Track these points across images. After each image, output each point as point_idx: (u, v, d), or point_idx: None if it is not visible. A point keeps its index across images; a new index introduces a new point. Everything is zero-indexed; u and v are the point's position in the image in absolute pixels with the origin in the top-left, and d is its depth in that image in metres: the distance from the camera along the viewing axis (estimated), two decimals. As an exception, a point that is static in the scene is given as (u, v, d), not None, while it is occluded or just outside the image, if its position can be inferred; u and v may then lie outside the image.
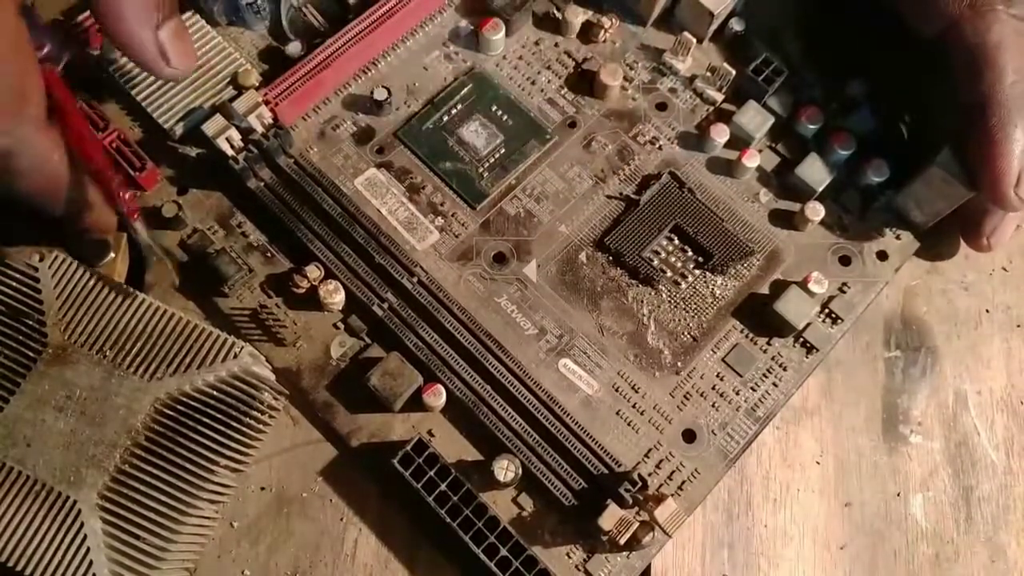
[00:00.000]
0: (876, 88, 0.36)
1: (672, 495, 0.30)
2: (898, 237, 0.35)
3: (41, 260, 0.28)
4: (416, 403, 0.31)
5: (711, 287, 0.34)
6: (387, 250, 0.33)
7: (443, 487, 0.29)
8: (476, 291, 0.33)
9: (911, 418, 0.33)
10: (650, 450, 0.31)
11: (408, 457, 0.29)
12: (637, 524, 0.28)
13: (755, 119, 0.36)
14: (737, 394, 0.32)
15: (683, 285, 0.34)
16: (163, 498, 0.25)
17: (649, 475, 0.31)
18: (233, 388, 0.27)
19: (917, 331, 0.35)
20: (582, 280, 0.34)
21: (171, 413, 0.26)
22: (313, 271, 0.32)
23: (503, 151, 0.35)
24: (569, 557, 0.30)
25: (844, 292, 0.34)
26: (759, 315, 0.33)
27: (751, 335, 0.33)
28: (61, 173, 0.27)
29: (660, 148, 0.36)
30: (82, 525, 0.25)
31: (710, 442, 0.32)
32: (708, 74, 0.37)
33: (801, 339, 0.33)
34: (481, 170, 0.35)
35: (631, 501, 0.29)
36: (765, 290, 0.34)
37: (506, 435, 0.30)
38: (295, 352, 0.32)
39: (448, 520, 0.28)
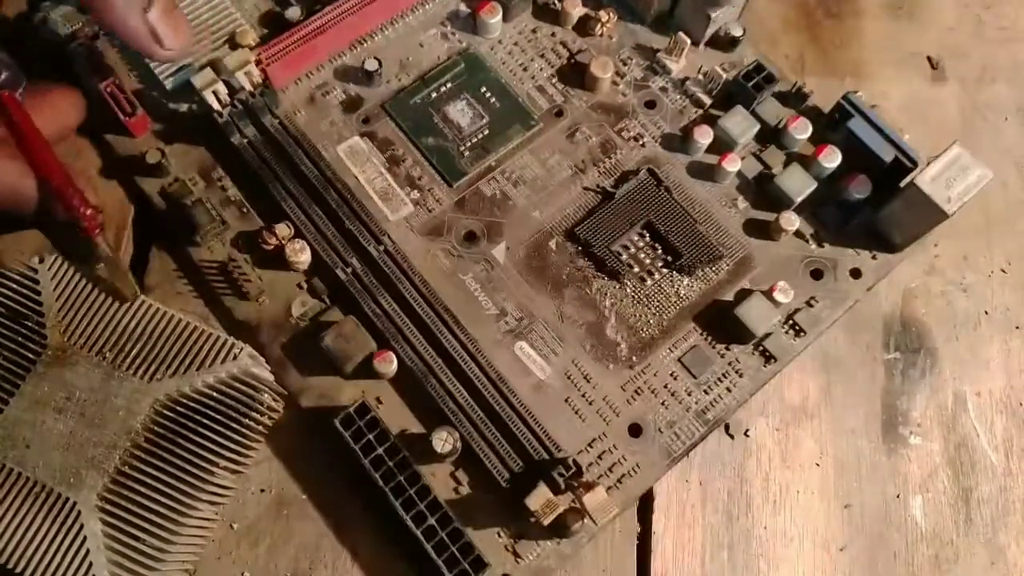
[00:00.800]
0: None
1: (608, 487, 0.30)
2: (874, 257, 0.35)
3: (41, 262, 0.28)
4: (367, 370, 0.31)
5: (676, 287, 0.34)
6: (357, 216, 0.33)
7: (380, 451, 0.29)
8: (442, 266, 0.34)
9: (910, 419, 0.33)
10: (594, 440, 0.31)
11: (349, 419, 0.29)
12: (565, 508, 0.28)
13: (741, 124, 0.35)
14: (689, 395, 0.32)
15: (648, 282, 0.34)
16: (163, 499, 0.26)
17: (589, 465, 0.31)
18: (232, 389, 0.27)
19: (916, 333, 0.34)
20: (549, 267, 0.34)
21: (170, 415, 0.27)
22: (283, 229, 0.33)
23: (486, 132, 0.36)
24: (499, 537, 0.30)
25: (811, 306, 0.34)
26: (720, 320, 0.33)
27: (711, 339, 0.33)
28: (31, 195, 0.28)
29: (643, 145, 0.36)
30: (82, 527, 0.25)
31: (655, 439, 0.31)
32: (700, 77, 0.37)
33: (761, 347, 0.33)
34: (462, 148, 0.35)
35: (563, 486, 0.29)
36: (730, 296, 0.34)
37: (451, 408, 0.31)
38: (257, 307, 0.32)
39: (380, 483, 0.28)
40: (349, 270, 0.32)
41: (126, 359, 0.27)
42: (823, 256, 0.35)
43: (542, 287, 0.34)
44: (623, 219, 0.34)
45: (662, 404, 0.32)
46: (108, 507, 0.25)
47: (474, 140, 0.36)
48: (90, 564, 0.25)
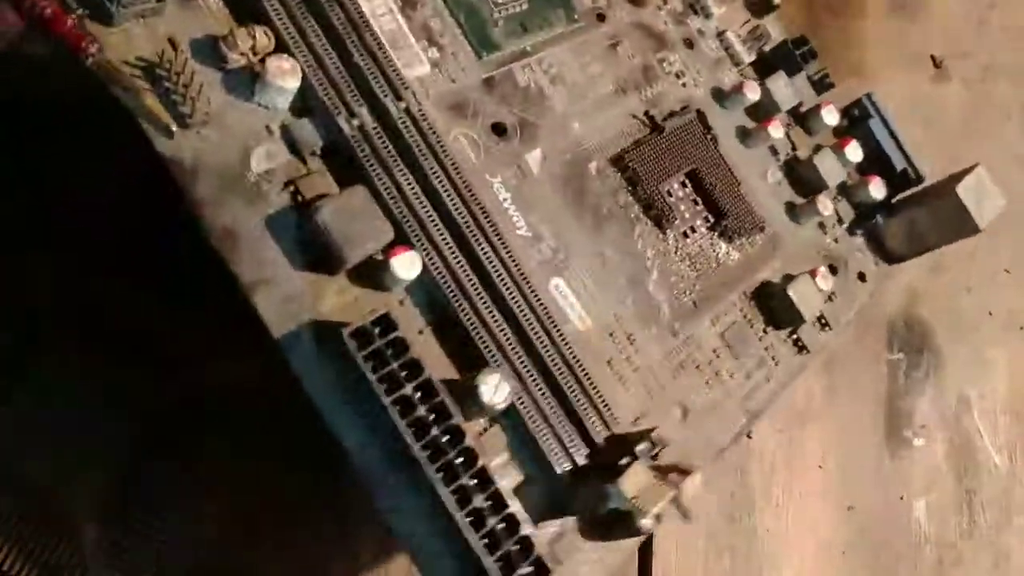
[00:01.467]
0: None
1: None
2: (876, 264, 0.33)
3: None
4: (368, 274, 0.21)
5: (716, 251, 0.29)
6: (372, 54, 0.23)
7: (408, 390, 0.19)
8: (467, 159, 0.24)
9: (914, 421, 0.32)
10: (639, 418, 0.24)
11: (364, 335, 0.19)
12: (671, 496, 0.20)
13: (784, 91, 0.32)
14: (732, 377, 0.27)
15: (690, 240, 0.28)
16: (160, 504, 0.24)
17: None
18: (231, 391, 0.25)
19: (920, 333, 0.34)
20: (589, 194, 0.26)
21: (169, 414, 0.25)
22: (261, 37, 0.21)
23: (526, 7, 0.27)
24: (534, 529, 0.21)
25: (831, 301, 0.31)
26: (762, 297, 0.29)
27: (748, 316, 0.28)
28: None
29: (684, 85, 0.31)
30: (77, 531, 0.24)
31: (702, 425, 0.25)
32: (740, 33, 0.33)
33: (795, 336, 0.29)
34: (497, 16, 0.27)
35: (651, 467, 0.21)
36: (768, 274, 0.29)
37: (488, 346, 0.21)
38: (193, 140, 0.20)
39: (410, 440, 0.18)
40: (356, 123, 0.22)
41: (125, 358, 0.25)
42: (839, 252, 0.32)
43: (581, 217, 0.26)
44: (670, 159, 0.28)
45: (706, 383, 0.26)
46: (104, 512, 0.24)
47: (511, 10, 0.27)
48: (85, 569, 0.23)
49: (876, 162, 0.33)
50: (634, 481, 0.20)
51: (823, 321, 0.30)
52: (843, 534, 0.31)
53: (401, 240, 0.21)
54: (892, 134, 0.34)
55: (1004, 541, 0.32)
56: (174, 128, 0.20)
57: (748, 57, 0.33)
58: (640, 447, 0.21)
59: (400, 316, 0.20)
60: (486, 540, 0.19)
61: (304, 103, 0.22)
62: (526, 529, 0.19)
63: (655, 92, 0.30)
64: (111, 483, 0.24)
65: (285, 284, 0.20)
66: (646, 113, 0.29)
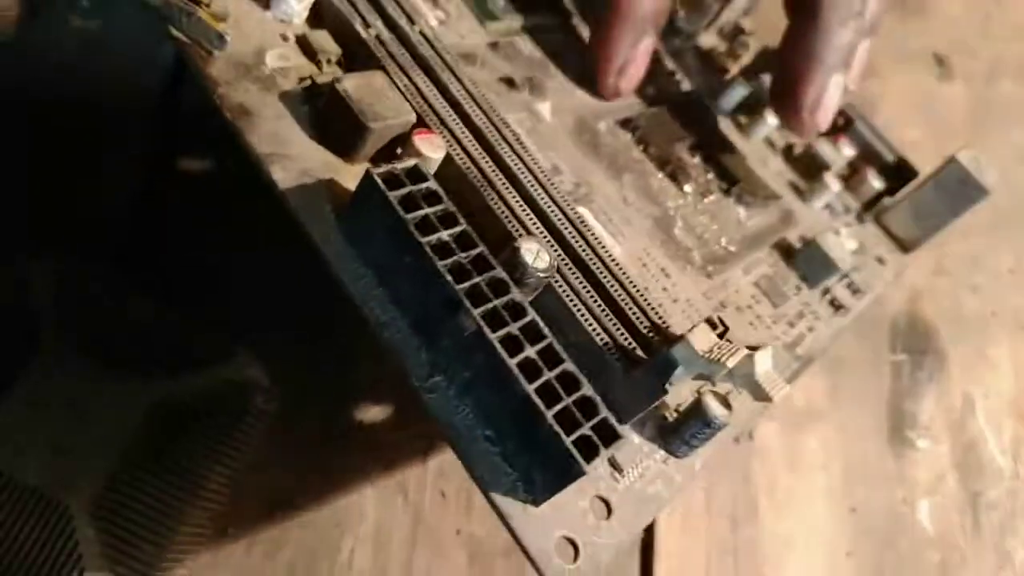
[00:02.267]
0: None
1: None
2: (892, 251, 0.32)
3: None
4: (389, 155, 0.19)
5: (736, 213, 0.28)
6: (384, -14, 0.23)
7: (447, 235, 0.17)
8: (480, 92, 0.24)
9: (918, 422, 0.31)
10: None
11: (395, 179, 0.17)
12: (741, 351, 0.18)
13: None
14: (775, 324, 0.25)
15: (707, 200, 0.27)
16: (156, 503, 0.25)
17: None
18: (228, 391, 0.26)
19: (924, 334, 0.32)
20: (602, 146, 0.26)
21: (164, 418, 0.25)
22: (276, -51, 0.21)
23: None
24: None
25: (857, 270, 0.30)
26: (792, 254, 0.28)
27: (779, 272, 0.27)
28: None
29: (678, 81, 0.32)
30: (74, 531, 0.24)
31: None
32: (722, 49, 0.35)
33: (829, 294, 0.27)
34: (498, -4, 0.28)
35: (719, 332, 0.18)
36: (790, 238, 0.28)
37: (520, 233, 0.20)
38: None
39: (459, 295, 0.16)
40: (372, 32, 0.21)
41: (121, 360, 0.25)
42: (853, 234, 0.31)
43: (598, 161, 0.25)
44: (675, 129, 0.28)
45: (750, 324, 0.24)
46: (101, 511, 0.24)
47: (513, -8, 0.28)
48: (82, 569, 0.23)
49: (869, 159, 0.34)
50: (703, 338, 0.17)
51: (853, 287, 0.29)
52: (847, 536, 0.29)
53: (423, 125, 0.20)
54: (878, 135, 0.35)
55: (1009, 543, 0.30)
56: (229, 36, 0.19)
57: (737, 64, 0.34)
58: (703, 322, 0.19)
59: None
60: (546, 400, 0.16)
61: (320, 18, 0.21)
62: (587, 391, 0.16)
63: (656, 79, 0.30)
64: (110, 483, 0.24)
65: (302, 159, 0.19)
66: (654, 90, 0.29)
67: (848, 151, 0.33)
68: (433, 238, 0.17)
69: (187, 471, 0.25)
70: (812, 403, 0.31)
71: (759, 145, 0.32)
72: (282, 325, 0.27)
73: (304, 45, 0.21)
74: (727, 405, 0.18)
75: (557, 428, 0.15)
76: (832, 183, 0.31)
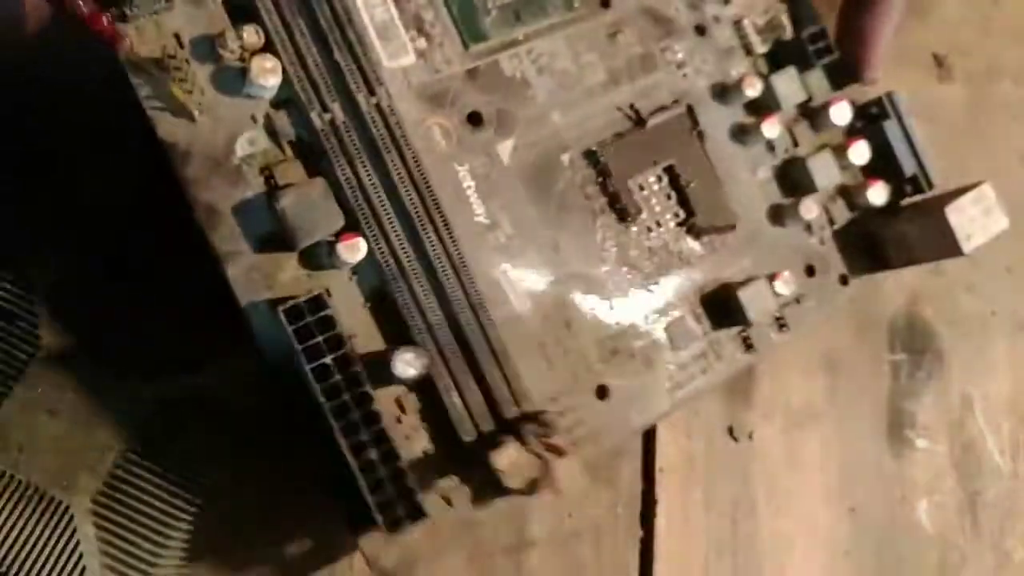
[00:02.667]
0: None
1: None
2: (864, 268, 0.33)
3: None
4: (323, 253, 0.24)
5: (681, 247, 0.30)
6: (352, 51, 0.25)
7: (328, 359, 0.23)
8: (436, 147, 0.27)
9: (917, 422, 0.33)
10: (559, 394, 0.27)
11: (297, 312, 0.23)
12: (534, 476, 0.24)
13: (791, 87, 0.32)
14: (665, 367, 0.29)
15: (654, 234, 0.30)
16: (157, 503, 0.25)
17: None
18: (227, 391, 0.26)
19: (922, 334, 0.34)
20: (556, 184, 0.29)
21: (165, 416, 0.26)
22: (251, 35, 0.24)
23: (523, -4, 0.29)
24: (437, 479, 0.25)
25: (799, 303, 0.32)
26: (714, 296, 0.30)
27: (697, 312, 0.30)
28: None
29: (685, 76, 0.31)
30: (75, 530, 0.25)
31: (621, 408, 0.28)
32: (757, 22, 0.32)
33: (745, 335, 0.31)
34: (491, 4, 0.28)
35: (532, 444, 0.25)
36: (728, 274, 0.31)
37: (418, 326, 0.25)
38: (190, 127, 0.24)
39: (321, 398, 0.23)
40: (327, 117, 0.25)
41: (121, 359, 0.26)
42: (820, 254, 0.33)
43: (544, 206, 0.28)
44: (647, 154, 0.30)
45: (635, 371, 0.29)
46: (102, 510, 0.25)
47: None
48: (83, 568, 0.24)
49: (885, 165, 0.33)
50: (506, 455, 0.24)
51: (781, 323, 0.31)
52: (845, 535, 0.31)
53: (351, 227, 0.25)
54: (908, 137, 0.33)
55: (1008, 542, 0.32)
56: (197, 114, 0.24)
57: (762, 48, 0.32)
58: (527, 427, 0.24)
59: (345, 291, 0.25)
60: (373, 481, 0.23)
61: (286, 96, 0.25)
62: (410, 482, 0.23)
63: (649, 83, 0.31)
64: (110, 483, 0.25)
65: (251, 256, 0.24)
66: (631, 106, 0.30)
67: (861, 158, 0.32)
68: (318, 363, 0.23)
69: (187, 470, 0.26)
70: (811, 403, 0.32)
71: (757, 151, 0.32)
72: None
73: (269, 127, 0.25)
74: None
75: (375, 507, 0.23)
76: (809, 209, 0.31)
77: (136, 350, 0.26)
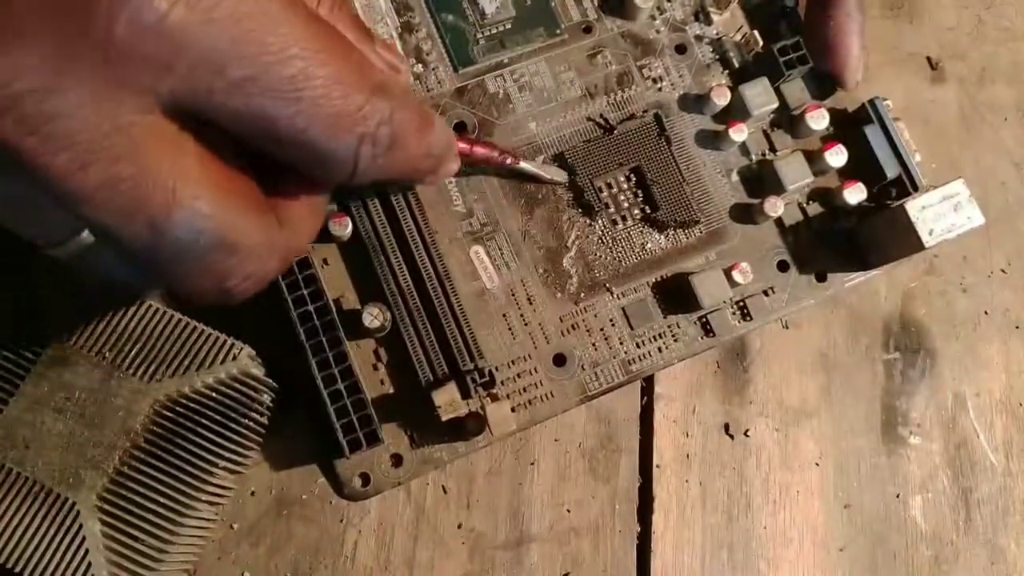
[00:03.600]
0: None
1: (516, 405, 0.31)
2: (840, 267, 0.35)
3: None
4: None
5: (645, 239, 0.34)
6: (354, 74, 0.32)
7: (311, 307, 0.29)
8: (424, 149, 0.33)
9: (910, 420, 0.34)
10: (518, 359, 0.32)
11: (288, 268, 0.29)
12: (465, 412, 0.29)
13: (760, 96, 0.34)
14: (621, 343, 0.33)
15: (619, 226, 0.34)
16: (162, 500, 0.26)
17: (505, 380, 0.32)
18: (231, 390, 0.27)
19: (916, 333, 0.35)
20: (528, 182, 0.33)
21: (170, 415, 0.27)
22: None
23: (508, 27, 0.34)
24: (401, 422, 0.31)
25: (767, 295, 0.34)
26: (674, 283, 0.33)
27: (659, 299, 0.33)
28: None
29: (660, 89, 0.35)
30: (81, 527, 0.25)
31: (575, 374, 0.32)
32: (737, 39, 0.36)
33: (704, 319, 0.33)
34: (479, 35, 0.34)
35: (472, 391, 0.29)
36: (692, 265, 0.34)
37: (391, 290, 0.31)
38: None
39: (302, 338, 0.29)
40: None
41: (126, 359, 0.27)
42: (796, 251, 0.34)
43: (516, 200, 0.33)
44: (614, 156, 0.34)
45: (592, 344, 0.33)
46: (107, 507, 0.25)
47: (494, 30, 0.34)
48: (89, 564, 0.25)
49: (865, 168, 0.35)
50: (443, 393, 0.29)
51: (744, 311, 0.34)
52: (840, 532, 0.32)
53: (343, 210, 0.31)
54: (891, 141, 0.34)
55: (1001, 539, 0.32)
56: None
57: (737, 63, 0.36)
58: (467, 369, 0.29)
59: (336, 261, 0.31)
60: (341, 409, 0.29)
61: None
62: (371, 412, 0.29)
63: (624, 96, 0.35)
64: (115, 480, 0.25)
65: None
66: (602, 116, 0.34)
67: (838, 160, 0.34)
68: (309, 326, 0.29)
69: (192, 467, 0.26)
70: (805, 401, 0.34)
71: (726, 155, 0.35)
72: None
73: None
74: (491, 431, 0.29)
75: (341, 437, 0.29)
76: (775, 208, 0.34)
77: (141, 349, 0.27)
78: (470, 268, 0.32)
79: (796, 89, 0.35)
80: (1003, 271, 0.35)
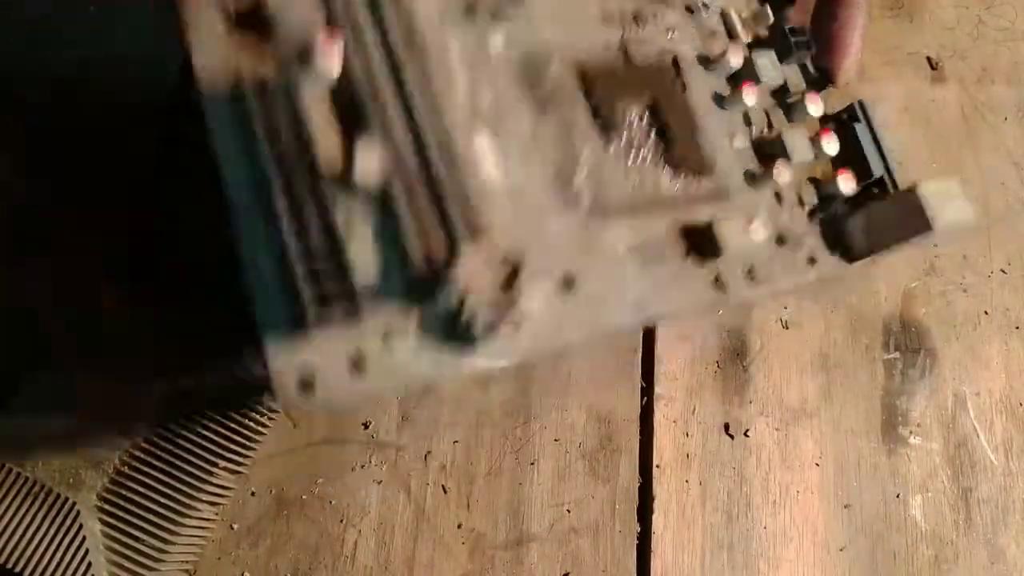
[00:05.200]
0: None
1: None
2: (831, 255, 0.33)
3: None
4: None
5: (657, 177, 0.30)
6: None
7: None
8: (427, 15, 0.27)
9: (910, 420, 0.33)
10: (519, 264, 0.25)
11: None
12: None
13: (769, 69, 0.33)
14: (631, 280, 0.28)
15: (632, 155, 0.30)
16: (162, 500, 0.26)
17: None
18: (232, 390, 0.27)
19: (916, 333, 0.34)
20: (541, 84, 0.29)
21: (170, 415, 0.27)
22: None
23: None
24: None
25: (769, 260, 0.31)
26: (691, 228, 0.30)
27: (670, 240, 0.29)
28: None
29: (671, 39, 0.33)
30: (81, 526, 0.25)
31: (582, 303, 0.26)
32: (744, 14, 0.35)
33: (716, 275, 0.29)
34: (501, -77, 0.30)
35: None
36: (704, 217, 0.30)
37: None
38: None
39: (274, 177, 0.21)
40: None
41: (126, 359, 0.27)
42: (791, 228, 0.32)
43: (526, 97, 0.28)
44: (633, 86, 0.30)
45: (603, 274, 0.27)
46: (107, 507, 0.26)
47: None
48: (89, 564, 0.25)
49: (853, 163, 0.34)
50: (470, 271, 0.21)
51: (751, 273, 0.30)
52: (840, 531, 0.31)
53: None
54: (877, 143, 0.34)
55: (1001, 538, 0.32)
56: None
57: (745, 37, 0.35)
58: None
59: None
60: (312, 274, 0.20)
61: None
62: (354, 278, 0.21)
63: (638, 34, 0.32)
64: (116, 480, 0.25)
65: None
66: (622, 42, 0.31)
67: (831, 148, 0.33)
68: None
69: (192, 468, 0.26)
70: (806, 401, 0.33)
71: (734, 118, 0.33)
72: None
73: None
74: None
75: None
76: (783, 172, 0.32)
77: (143, 349, 0.27)
78: (470, 153, 0.26)
79: (793, 73, 0.35)
80: (1003, 271, 0.36)
